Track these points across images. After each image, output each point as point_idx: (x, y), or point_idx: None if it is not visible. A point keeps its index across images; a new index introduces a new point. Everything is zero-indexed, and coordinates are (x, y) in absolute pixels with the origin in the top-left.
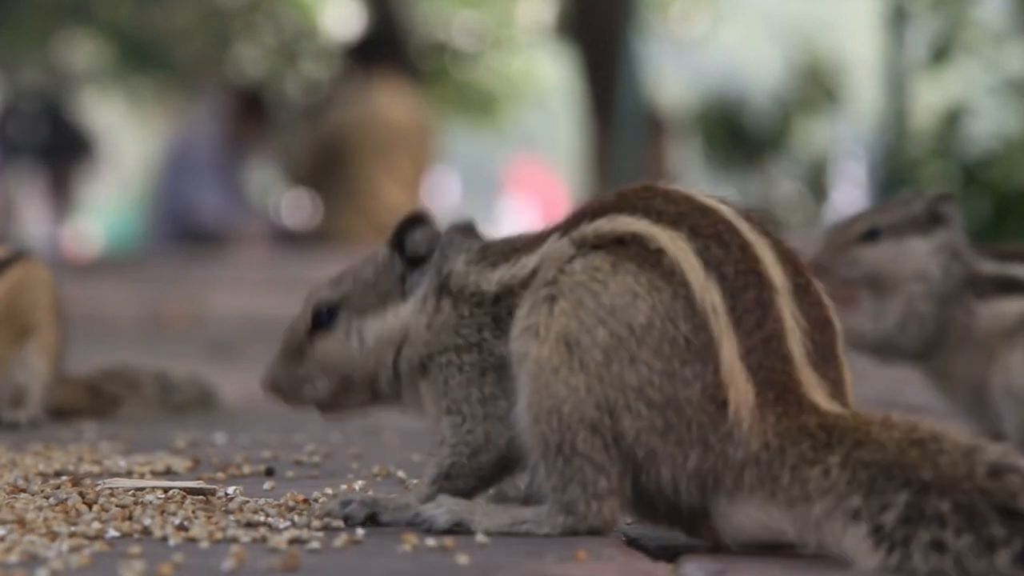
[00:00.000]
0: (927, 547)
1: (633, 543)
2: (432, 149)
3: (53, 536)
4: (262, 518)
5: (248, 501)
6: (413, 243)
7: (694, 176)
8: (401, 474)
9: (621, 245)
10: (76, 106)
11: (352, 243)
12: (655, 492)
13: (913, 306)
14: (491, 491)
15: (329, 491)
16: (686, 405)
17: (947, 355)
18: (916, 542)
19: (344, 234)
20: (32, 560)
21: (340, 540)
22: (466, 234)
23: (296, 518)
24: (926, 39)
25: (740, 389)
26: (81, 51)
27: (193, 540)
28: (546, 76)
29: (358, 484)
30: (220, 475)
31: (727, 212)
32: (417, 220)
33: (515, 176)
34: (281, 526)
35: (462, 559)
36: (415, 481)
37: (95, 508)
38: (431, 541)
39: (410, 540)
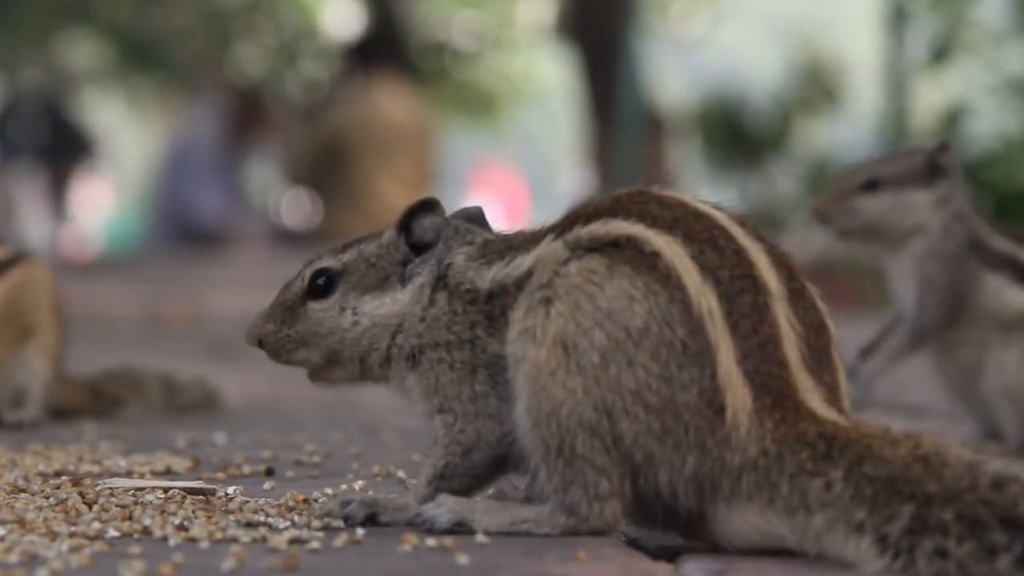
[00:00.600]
0: (931, 554)
1: (633, 543)
2: (432, 149)
3: (53, 536)
4: (262, 518)
5: (248, 501)
6: (421, 228)
7: (694, 176)
8: (401, 474)
9: (616, 248)
10: (76, 106)
11: None
12: (653, 496)
13: (922, 268)
14: (490, 491)
15: (329, 491)
16: (683, 409)
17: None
18: (920, 550)
19: (344, 234)
20: (32, 560)
21: (340, 540)
22: (473, 222)
23: (296, 518)
24: (926, 39)
25: (737, 393)
26: (81, 51)
27: (193, 540)
28: (546, 76)
29: (358, 484)
30: (220, 475)
31: (721, 217)
32: (428, 206)
33: (480, 177)
34: (281, 526)
35: (462, 559)
36: (415, 481)
37: (95, 508)
38: (431, 541)
39: (410, 540)
